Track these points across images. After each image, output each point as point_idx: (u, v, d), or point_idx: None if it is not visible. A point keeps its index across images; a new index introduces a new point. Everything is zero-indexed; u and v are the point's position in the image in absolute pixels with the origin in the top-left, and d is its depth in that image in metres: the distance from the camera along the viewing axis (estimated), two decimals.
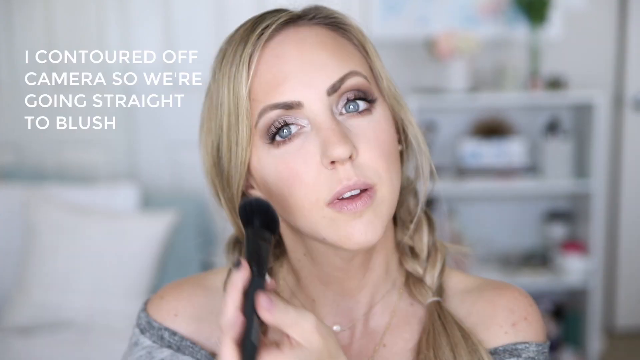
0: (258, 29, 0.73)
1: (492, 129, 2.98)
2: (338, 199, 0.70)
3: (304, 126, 0.71)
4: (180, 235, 2.50)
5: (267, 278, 0.64)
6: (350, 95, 0.72)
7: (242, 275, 0.63)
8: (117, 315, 2.28)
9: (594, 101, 2.79)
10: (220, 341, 0.61)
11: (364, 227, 0.71)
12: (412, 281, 0.82)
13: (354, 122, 0.72)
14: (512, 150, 2.92)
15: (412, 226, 0.82)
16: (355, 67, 0.73)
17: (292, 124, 0.71)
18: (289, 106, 0.70)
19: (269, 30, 0.73)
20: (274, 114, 0.71)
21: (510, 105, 2.95)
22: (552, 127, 2.92)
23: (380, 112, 0.74)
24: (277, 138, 0.72)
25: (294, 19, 0.75)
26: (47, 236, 2.38)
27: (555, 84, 2.87)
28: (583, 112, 2.93)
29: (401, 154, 0.79)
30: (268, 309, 0.61)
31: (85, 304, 2.31)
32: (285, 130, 0.71)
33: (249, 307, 0.61)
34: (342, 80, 0.71)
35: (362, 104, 0.72)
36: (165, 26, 2.89)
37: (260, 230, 0.68)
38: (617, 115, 3.15)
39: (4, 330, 2.28)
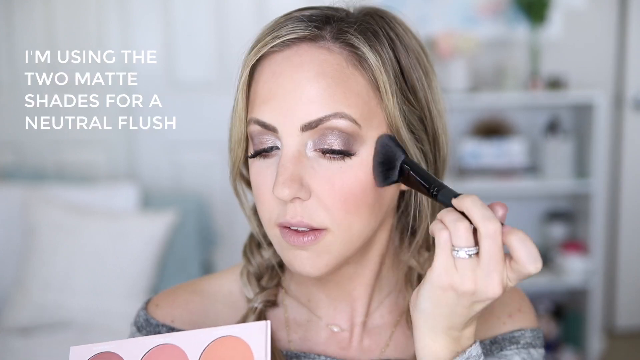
0: (268, 37, 0.71)
1: (492, 129, 2.98)
2: (285, 226, 0.71)
3: (279, 148, 0.71)
4: (180, 235, 2.50)
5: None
6: (332, 140, 0.69)
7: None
8: (116, 316, 2.28)
9: (594, 101, 2.79)
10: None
11: (305, 260, 0.71)
12: (413, 277, 0.82)
13: (323, 162, 0.70)
14: (512, 150, 2.92)
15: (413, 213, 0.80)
16: (344, 109, 0.68)
17: (271, 145, 0.72)
18: (266, 127, 0.70)
19: (271, 45, 0.70)
20: (255, 128, 0.71)
21: (510, 105, 2.95)
22: (552, 127, 2.92)
23: (359, 159, 0.70)
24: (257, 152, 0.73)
25: (312, 37, 0.70)
26: (47, 236, 2.37)
27: (555, 84, 2.87)
28: (583, 112, 2.93)
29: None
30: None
31: (85, 304, 2.31)
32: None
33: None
34: (320, 120, 0.68)
35: (338, 150, 0.69)
36: (165, 26, 2.89)
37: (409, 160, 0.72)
38: (617, 115, 3.15)
39: (4, 330, 2.28)
